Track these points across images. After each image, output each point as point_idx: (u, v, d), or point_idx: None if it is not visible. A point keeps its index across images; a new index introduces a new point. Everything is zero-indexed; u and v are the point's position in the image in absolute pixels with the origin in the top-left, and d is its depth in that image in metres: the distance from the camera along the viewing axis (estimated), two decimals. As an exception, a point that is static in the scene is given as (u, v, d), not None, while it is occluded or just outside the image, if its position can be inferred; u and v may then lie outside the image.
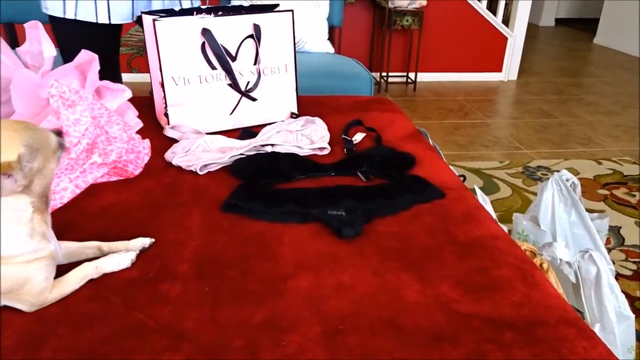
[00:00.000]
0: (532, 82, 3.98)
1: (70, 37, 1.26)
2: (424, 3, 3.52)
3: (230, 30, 1.10)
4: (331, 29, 2.30)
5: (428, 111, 3.27)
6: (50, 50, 1.05)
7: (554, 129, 3.03)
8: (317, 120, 1.11)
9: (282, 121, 1.13)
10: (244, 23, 1.11)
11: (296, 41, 2.19)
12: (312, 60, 2.00)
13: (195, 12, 1.14)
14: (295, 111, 1.21)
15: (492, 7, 3.89)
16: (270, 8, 1.19)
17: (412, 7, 3.49)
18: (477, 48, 3.86)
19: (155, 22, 1.03)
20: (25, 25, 1.09)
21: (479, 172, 2.39)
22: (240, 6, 1.19)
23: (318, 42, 2.19)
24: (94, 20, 1.23)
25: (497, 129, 3.03)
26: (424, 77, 3.79)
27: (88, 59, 1.00)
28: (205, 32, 1.06)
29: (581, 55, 4.97)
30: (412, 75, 3.75)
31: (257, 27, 1.12)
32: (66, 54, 1.28)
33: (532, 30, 5.93)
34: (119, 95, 1.05)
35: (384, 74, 3.66)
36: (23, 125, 0.57)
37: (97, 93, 1.06)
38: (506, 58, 3.93)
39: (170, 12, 1.13)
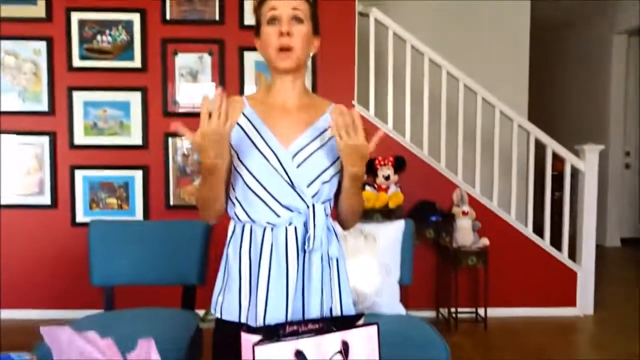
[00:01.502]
0: (610, 317, 3.80)
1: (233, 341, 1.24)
2: (487, 243, 3.63)
3: (320, 348, 1.17)
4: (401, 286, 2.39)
5: (502, 354, 3.13)
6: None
7: (647, 381, 2.79)
8: None
9: None
10: (333, 340, 1.19)
11: (368, 304, 2.27)
12: (384, 327, 2.04)
13: (287, 326, 1.24)
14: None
15: (554, 241, 3.94)
16: (354, 319, 1.27)
17: (476, 246, 3.61)
18: (547, 283, 3.82)
19: (255, 347, 1.12)
20: (140, 340, 1.21)
21: None
22: (325, 318, 1.28)
23: (389, 304, 2.26)
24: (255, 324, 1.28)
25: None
26: (494, 312, 3.71)
27: None
28: (299, 354, 1.14)
29: (658, 282, 4.79)
30: (481, 310, 3.69)
31: (345, 344, 1.19)
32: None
33: (599, 251, 5.87)
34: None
35: (452, 309, 3.63)
36: None
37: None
38: (579, 292, 3.84)
39: (266, 329, 1.22)
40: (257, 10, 1.35)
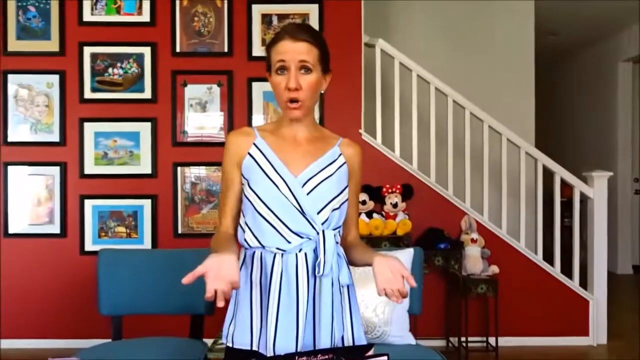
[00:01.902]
0: (624, 347, 3.73)
1: None
2: (497, 270, 3.60)
3: (329, 378, 1.16)
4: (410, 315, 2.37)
5: (516, 386, 3.07)
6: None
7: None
8: None
9: None
10: (343, 370, 1.18)
11: (378, 334, 2.25)
12: (394, 357, 2.01)
13: (297, 356, 1.24)
14: None
15: (564, 269, 3.89)
16: (364, 349, 1.26)
17: (486, 274, 3.58)
18: (559, 312, 3.77)
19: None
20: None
21: None
22: (335, 349, 1.27)
23: (399, 334, 2.24)
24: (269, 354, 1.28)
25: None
26: (505, 341, 3.66)
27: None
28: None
29: (672, 310, 4.70)
30: (492, 340, 3.63)
31: (354, 375, 1.18)
32: None
33: (611, 279, 5.78)
34: None
35: (462, 339, 3.58)
36: None
37: None
38: (591, 321, 3.78)
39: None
40: (268, 50, 1.37)
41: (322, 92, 1.40)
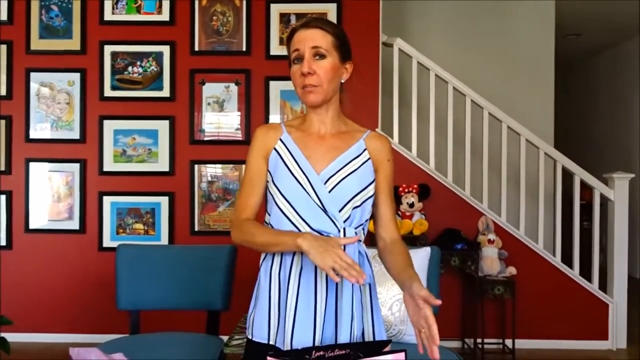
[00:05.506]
0: (645, 352, 3.66)
1: None
2: (514, 272, 3.56)
3: (346, 373, 1.16)
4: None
5: (533, 389, 3.03)
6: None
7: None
8: None
9: None
10: (359, 366, 1.18)
11: (393, 332, 2.24)
12: (409, 356, 2.00)
13: (314, 351, 1.24)
14: None
15: (583, 272, 3.84)
16: (382, 345, 1.26)
17: (502, 275, 3.54)
18: (577, 314, 3.71)
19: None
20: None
21: None
22: (353, 344, 1.27)
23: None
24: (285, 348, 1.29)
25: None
26: (522, 344, 3.62)
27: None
28: (324, 379, 1.13)
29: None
30: (509, 342, 3.59)
31: (371, 370, 1.18)
32: None
33: (631, 283, 5.68)
34: None
35: (478, 341, 3.55)
36: None
37: None
38: (610, 325, 3.72)
39: (293, 353, 1.22)
40: (287, 47, 1.40)
41: (343, 81, 1.42)
